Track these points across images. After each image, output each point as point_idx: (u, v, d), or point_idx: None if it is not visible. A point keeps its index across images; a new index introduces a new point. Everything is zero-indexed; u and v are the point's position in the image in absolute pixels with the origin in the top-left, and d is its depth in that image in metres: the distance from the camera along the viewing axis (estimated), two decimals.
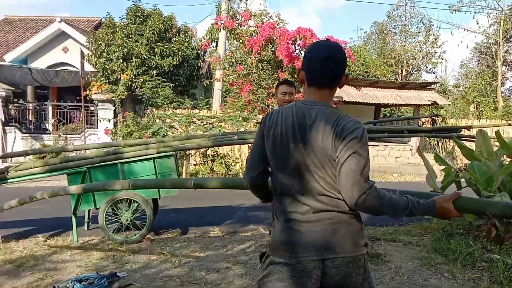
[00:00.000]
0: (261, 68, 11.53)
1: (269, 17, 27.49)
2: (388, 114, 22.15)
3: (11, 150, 12.19)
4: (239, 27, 12.46)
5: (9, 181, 5.06)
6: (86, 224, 5.68)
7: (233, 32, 11.83)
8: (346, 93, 13.57)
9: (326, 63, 1.74)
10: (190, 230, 5.81)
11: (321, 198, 1.71)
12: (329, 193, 1.71)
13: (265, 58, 11.34)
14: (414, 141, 14.39)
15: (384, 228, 5.71)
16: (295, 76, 11.83)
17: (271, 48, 11.43)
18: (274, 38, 11.40)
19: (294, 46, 11.63)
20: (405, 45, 27.97)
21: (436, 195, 1.84)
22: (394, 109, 22.32)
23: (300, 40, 11.62)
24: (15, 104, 14.19)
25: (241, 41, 11.64)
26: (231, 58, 12.52)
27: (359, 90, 14.30)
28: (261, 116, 12.17)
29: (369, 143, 2.08)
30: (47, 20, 22.13)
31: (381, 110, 18.42)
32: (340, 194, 1.69)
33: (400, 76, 26.54)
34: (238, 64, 11.98)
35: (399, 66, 26.98)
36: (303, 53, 11.53)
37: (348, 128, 1.66)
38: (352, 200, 1.65)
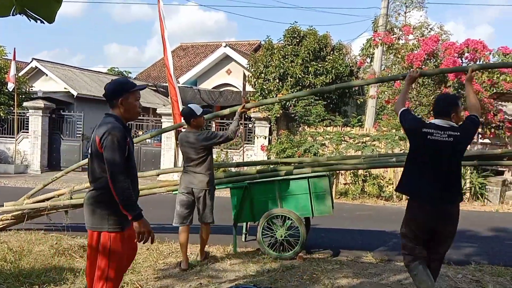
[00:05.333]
0: (421, 84, 10.75)
1: (430, 29, 25.79)
2: None
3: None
4: (397, 41, 11.89)
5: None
6: (244, 236, 6.01)
7: (391, 47, 11.33)
8: None
9: None
10: (342, 253, 5.67)
11: None
12: None
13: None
14: None
15: None
16: (461, 92, 10.73)
17: (433, 63, 10.60)
18: (438, 52, 10.54)
19: (461, 60, 10.57)
20: None
21: None
22: None
23: (468, 53, 10.50)
24: None
25: (399, 56, 11.08)
26: (388, 74, 11.98)
27: None
28: None
29: None
30: (214, 45, 24.72)
31: None
32: None
33: None
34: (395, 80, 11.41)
35: None
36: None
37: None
38: None
